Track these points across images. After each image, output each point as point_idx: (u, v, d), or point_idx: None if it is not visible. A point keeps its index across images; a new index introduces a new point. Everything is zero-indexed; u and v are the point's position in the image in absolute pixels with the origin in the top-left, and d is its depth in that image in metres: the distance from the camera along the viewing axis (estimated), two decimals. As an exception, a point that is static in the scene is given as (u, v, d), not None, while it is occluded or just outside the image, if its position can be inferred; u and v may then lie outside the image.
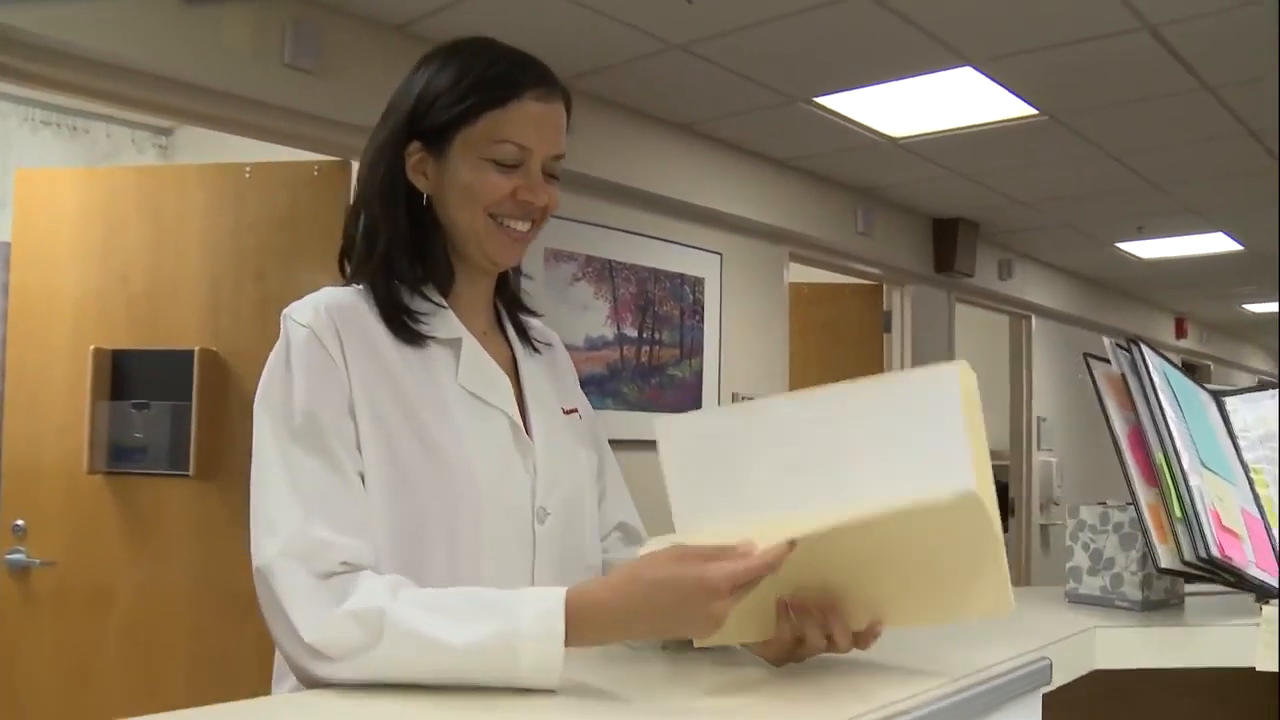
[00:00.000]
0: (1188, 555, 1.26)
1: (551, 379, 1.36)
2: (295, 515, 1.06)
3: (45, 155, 4.35)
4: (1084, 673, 1.28)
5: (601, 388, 4.00)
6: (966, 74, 3.48)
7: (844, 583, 1.02)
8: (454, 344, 1.22)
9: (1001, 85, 3.59)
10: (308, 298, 1.19)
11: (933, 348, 5.87)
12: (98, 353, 3.21)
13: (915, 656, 1.16)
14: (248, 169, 3.28)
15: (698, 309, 4.47)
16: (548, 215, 1.26)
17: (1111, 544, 1.45)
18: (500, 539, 1.18)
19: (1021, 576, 6.73)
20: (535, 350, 1.35)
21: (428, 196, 1.24)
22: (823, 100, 3.84)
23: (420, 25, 3.16)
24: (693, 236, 4.42)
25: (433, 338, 1.21)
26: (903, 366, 5.63)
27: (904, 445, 0.97)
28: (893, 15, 3.04)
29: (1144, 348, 1.38)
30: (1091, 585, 1.47)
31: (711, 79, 3.62)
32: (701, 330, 4.48)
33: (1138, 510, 1.31)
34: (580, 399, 1.42)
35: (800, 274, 5.22)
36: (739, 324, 4.65)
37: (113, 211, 3.32)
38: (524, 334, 1.36)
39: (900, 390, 1.00)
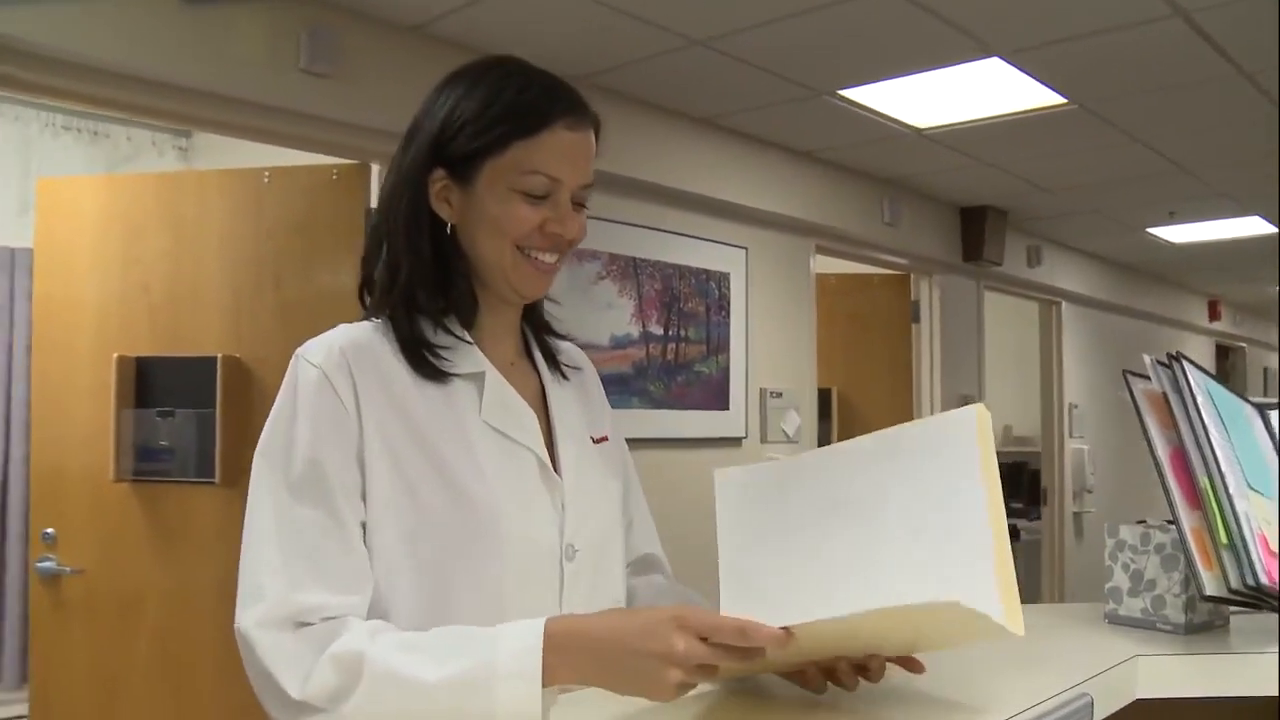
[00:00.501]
0: (1234, 583, 1.21)
1: (581, 406, 1.32)
2: (280, 581, 1.04)
3: (66, 160, 4.36)
4: (1126, 703, 1.23)
5: (627, 386, 3.96)
6: (994, 65, 3.41)
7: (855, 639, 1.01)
8: (477, 378, 1.18)
9: (1030, 75, 3.51)
10: (322, 336, 1.15)
11: (962, 337, 5.80)
12: (121, 360, 3.21)
13: (951, 690, 1.12)
14: (266, 174, 3.26)
15: (723, 304, 4.42)
16: (574, 246, 1.22)
17: (1153, 565, 1.40)
18: (527, 578, 1.14)
19: (1056, 566, 6.67)
20: (564, 377, 1.32)
21: (451, 225, 1.19)
22: (847, 93, 3.77)
23: (436, 26, 3.12)
24: (717, 231, 4.37)
25: (455, 374, 1.17)
26: (932, 356, 5.58)
27: (927, 485, 1.00)
28: (917, 8, 2.98)
29: (1186, 364, 1.33)
30: (1132, 607, 1.43)
31: (734, 74, 3.57)
32: (728, 326, 4.44)
33: (1181, 535, 1.26)
34: (610, 424, 1.38)
35: (827, 265, 5.17)
36: (765, 318, 4.60)
37: (133, 218, 3.31)
38: (553, 359, 1.32)
39: (924, 433, 1.04)
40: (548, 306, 1.34)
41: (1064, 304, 6.84)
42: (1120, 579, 1.44)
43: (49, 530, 3.25)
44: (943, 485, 0.98)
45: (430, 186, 1.18)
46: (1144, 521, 1.45)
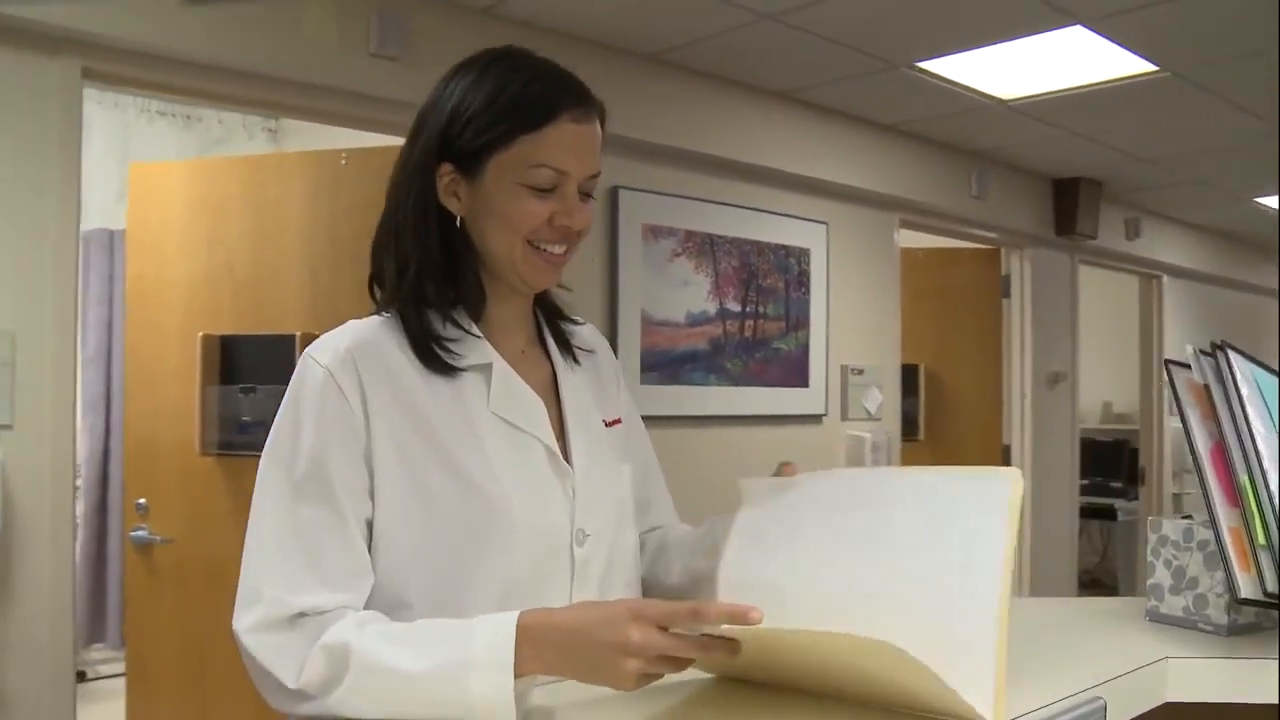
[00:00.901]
0: (1270, 586, 1.17)
1: (594, 390, 1.33)
2: (277, 584, 1.07)
3: (161, 144, 4.51)
4: (1153, 706, 1.19)
5: (705, 364, 3.95)
6: (1077, 33, 3.29)
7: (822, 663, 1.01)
8: (485, 370, 1.19)
9: (1115, 43, 3.38)
10: (330, 335, 1.17)
11: (1055, 311, 5.64)
12: (206, 339, 3.32)
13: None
14: (343, 156, 3.32)
15: (803, 280, 4.37)
16: (583, 236, 1.22)
17: (1195, 562, 1.35)
18: (538, 565, 1.16)
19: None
20: (576, 362, 1.32)
21: (460, 218, 1.20)
22: (925, 65, 3.68)
23: (505, 6, 3.13)
24: (796, 207, 4.32)
25: (463, 366, 1.18)
26: (1023, 331, 5.46)
27: (949, 544, 0.98)
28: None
29: (1230, 353, 1.28)
30: (1174, 605, 1.38)
31: (806, 47, 3.51)
32: (808, 302, 4.39)
33: (1217, 533, 1.22)
34: (625, 405, 1.39)
35: (914, 240, 5.07)
36: (847, 294, 4.54)
37: (218, 201, 3.41)
38: (566, 345, 1.32)
39: (961, 488, 1.02)
40: (560, 293, 1.34)
41: (1165, 278, 6.60)
42: (1162, 575, 1.39)
43: (141, 501, 3.39)
44: (965, 551, 0.96)
45: (438, 181, 1.19)
46: (1189, 516, 1.40)
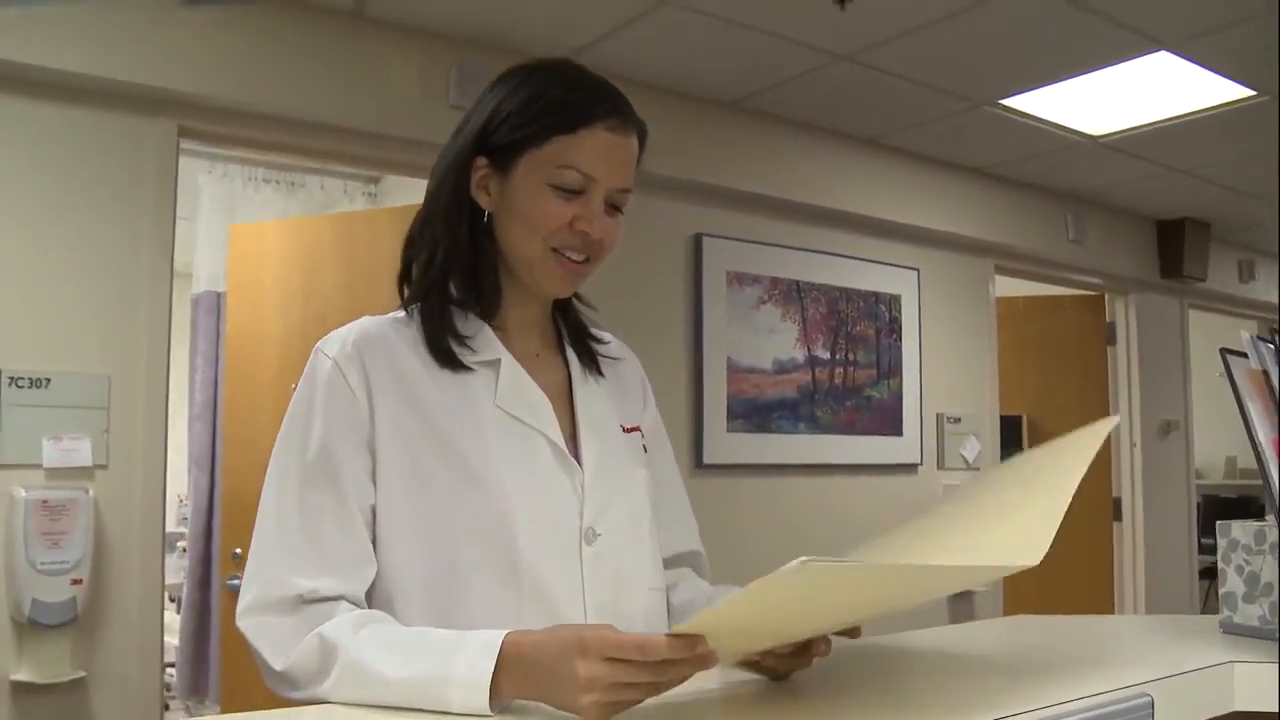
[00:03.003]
0: (1338, 580, 1.09)
1: (614, 398, 1.32)
2: (274, 568, 1.10)
3: (267, 210, 4.67)
4: (1219, 713, 1.12)
5: (794, 412, 3.91)
6: (1163, 59, 3.20)
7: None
8: (494, 365, 1.20)
9: (1205, 68, 3.28)
10: (339, 330, 1.21)
11: (1164, 359, 5.44)
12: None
13: (1000, 681, 1.05)
14: (430, 209, 3.41)
15: (894, 327, 4.31)
16: (605, 251, 1.21)
17: (1269, 566, 1.27)
18: (541, 560, 1.14)
19: None
20: (599, 372, 1.32)
21: (488, 215, 1.22)
22: (1009, 102, 3.63)
23: (584, 57, 3.19)
24: (886, 253, 4.28)
25: (473, 361, 1.19)
26: (1130, 379, 5.28)
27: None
28: (1068, 3, 2.84)
29: (1292, 341, 1.21)
30: (1248, 614, 1.29)
31: (885, 89, 3.50)
32: (899, 349, 4.32)
33: (1282, 528, 1.14)
34: (650, 420, 1.38)
35: (1015, 288, 4.96)
36: (941, 341, 4.46)
37: (312, 257, 3.53)
38: (589, 356, 1.32)
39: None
40: (585, 311, 1.34)
41: (1287, 322, 6.31)
42: (1234, 583, 1.31)
43: (238, 550, 3.47)
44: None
45: (472, 174, 1.21)
46: (1263, 518, 1.32)
